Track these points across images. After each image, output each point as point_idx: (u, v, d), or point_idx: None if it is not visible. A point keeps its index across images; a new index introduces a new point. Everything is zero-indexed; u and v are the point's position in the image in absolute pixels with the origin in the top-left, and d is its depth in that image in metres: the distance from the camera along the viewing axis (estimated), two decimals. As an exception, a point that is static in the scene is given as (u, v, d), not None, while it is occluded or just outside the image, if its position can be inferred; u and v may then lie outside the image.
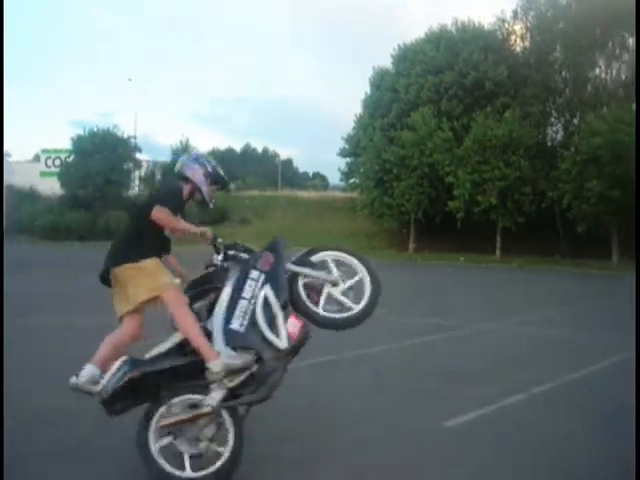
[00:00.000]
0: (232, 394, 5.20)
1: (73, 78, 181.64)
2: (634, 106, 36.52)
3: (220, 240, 5.83)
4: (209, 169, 6.00)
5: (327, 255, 5.77)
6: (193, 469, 5.16)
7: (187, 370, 5.26)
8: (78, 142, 59.01)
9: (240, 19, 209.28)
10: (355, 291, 5.60)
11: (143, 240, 5.63)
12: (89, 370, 5.25)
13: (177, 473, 5.15)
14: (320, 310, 5.49)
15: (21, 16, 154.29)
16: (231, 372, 5.15)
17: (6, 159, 53.07)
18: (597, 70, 40.48)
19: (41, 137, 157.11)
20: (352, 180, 49.23)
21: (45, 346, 10.60)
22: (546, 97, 40.23)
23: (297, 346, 5.30)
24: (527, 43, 42.46)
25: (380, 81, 45.12)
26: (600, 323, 14.44)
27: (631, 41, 39.50)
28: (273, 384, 5.20)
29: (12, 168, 57.47)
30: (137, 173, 67.44)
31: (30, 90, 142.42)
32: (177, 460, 5.18)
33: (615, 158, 32.20)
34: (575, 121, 40.47)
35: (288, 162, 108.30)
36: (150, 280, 5.49)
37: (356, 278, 5.65)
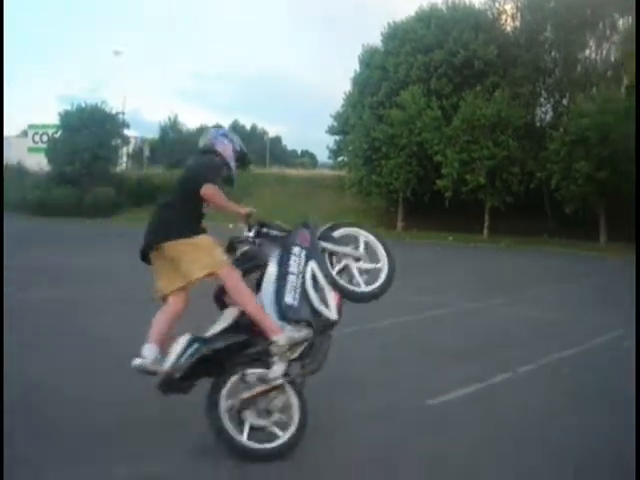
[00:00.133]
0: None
1: (60, 52, 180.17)
2: (623, 89, 36.65)
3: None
4: (237, 146, 6.10)
5: (349, 231, 6.00)
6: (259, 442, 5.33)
7: (248, 345, 5.42)
8: (66, 118, 58.65)
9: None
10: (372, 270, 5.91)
11: (193, 216, 5.68)
12: (152, 350, 5.36)
13: (255, 446, 5.31)
14: (347, 284, 5.72)
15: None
16: (293, 345, 5.32)
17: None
18: (587, 51, 40.43)
19: (29, 112, 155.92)
20: (341, 158, 49.13)
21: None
22: (536, 77, 40.17)
23: (339, 317, 5.56)
24: (517, 23, 42.33)
25: (370, 59, 44.92)
26: (587, 303, 14.56)
27: (621, 22, 39.49)
28: (325, 353, 5.49)
29: (-1, 144, 57.13)
30: (125, 149, 67.17)
31: (17, 65, 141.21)
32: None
33: (602, 139, 32.26)
34: (564, 102, 40.44)
35: (277, 139, 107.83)
36: (206, 256, 5.49)
37: (377, 258, 5.95)
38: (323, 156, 56.83)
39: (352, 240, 5.95)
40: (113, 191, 54.57)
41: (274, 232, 5.76)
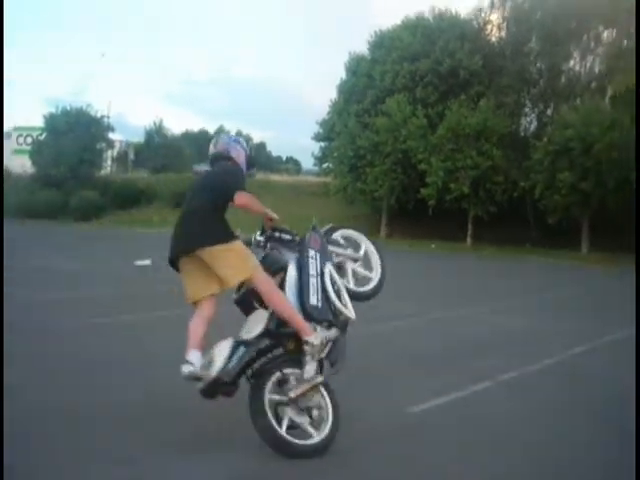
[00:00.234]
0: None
1: (45, 55, 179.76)
2: (607, 100, 36.90)
3: None
4: (248, 153, 6.25)
5: (346, 233, 6.44)
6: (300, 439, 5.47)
7: (280, 346, 5.70)
8: (51, 120, 58.48)
9: (215, 1, 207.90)
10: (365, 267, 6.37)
11: (225, 222, 5.83)
12: (197, 356, 5.42)
13: (298, 442, 5.42)
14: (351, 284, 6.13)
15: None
16: (325, 344, 5.60)
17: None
18: (571, 62, 40.70)
19: (13, 114, 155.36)
20: (325, 165, 49.18)
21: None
22: (520, 87, 40.39)
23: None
24: (503, 33, 42.57)
25: (356, 67, 45.04)
26: (567, 313, 14.61)
27: (605, 34, 39.79)
28: (345, 351, 5.82)
29: (-18, 146, 56.89)
30: (110, 153, 67.05)
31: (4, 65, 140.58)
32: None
33: (586, 150, 32.46)
34: (549, 112, 40.68)
35: (261, 145, 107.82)
36: (243, 262, 5.66)
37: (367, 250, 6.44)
38: (308, 163, 56.91)
39: (352, 243, 6.33)
40: (97, 194, 54.40)
41: (286, 236, 6.03)
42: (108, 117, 62.90)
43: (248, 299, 5.83)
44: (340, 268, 6.14)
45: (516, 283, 22.09)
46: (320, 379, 5.53)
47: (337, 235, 6.34)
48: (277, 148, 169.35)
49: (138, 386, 7.31)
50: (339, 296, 5.82)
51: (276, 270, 5.84)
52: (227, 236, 5.72)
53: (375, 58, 43.82)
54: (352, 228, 6.63)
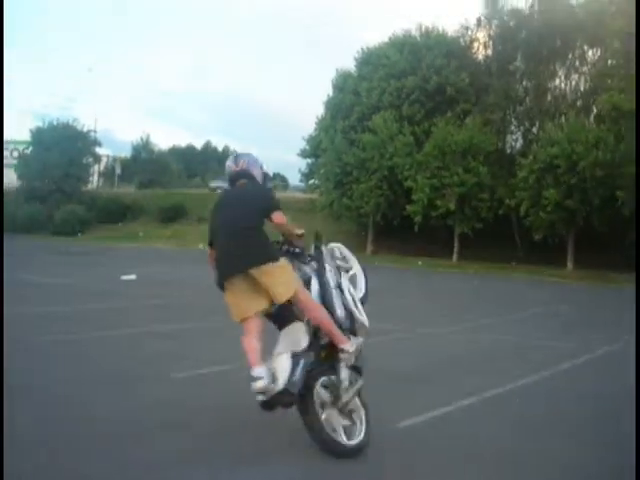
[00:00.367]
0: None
1: (32, 69, 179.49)
2: (592, 118, 37.14)
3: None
4: (264, 171, 6.53)
5: (334, 246, 6.67)
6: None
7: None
8: (37, 134, 58.43)
9: (203, 18, 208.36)
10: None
11: (269, 240, 6.05)
12: (264, 371, 5.55)
13: (346, 442, 5.81)
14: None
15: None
16: (357, 352, 5.99)
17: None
18: (557, 80, 40.96)
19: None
20: (312, 181, 49.24)
21: None
22: (506, 105, 40.58)
23: None
24: (489, 51, 42.87)
25: (343, 83, 45.19)
26: (552, 330, 14.64)
27: (590, 53, 40.12)
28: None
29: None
30: (96, 167, 67.00)
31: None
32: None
33: (571, 168, 32.66)
34: (534, 130, 40.86)
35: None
36: (290, 278, 5.91)
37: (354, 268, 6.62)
38: (295, 179, 57.08)
39: (344, 259, 6.63)
40: (83, 209, 54.24)
41: (298, 250, 6.24)
42: (95, 132, 62.89)
43: (283, 313, 6.01)
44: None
45: (501, 300, 22.16)
46: (362, 383, 5.97)
47: (335, 250, 6.65)
48: (264, 165, 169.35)
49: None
50: (356, 306, 6.19)
51: (304, 283, 6.09)
52: (275, 254, 5.97)
53: (362, 75, 44.00)
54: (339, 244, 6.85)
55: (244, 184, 6.30)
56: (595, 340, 12.83)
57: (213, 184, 58.04)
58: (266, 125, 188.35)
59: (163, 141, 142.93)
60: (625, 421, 6.78)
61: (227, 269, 5.90)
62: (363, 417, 6.02)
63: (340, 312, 6.03)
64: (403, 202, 39.15)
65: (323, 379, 5.83)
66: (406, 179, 38.39)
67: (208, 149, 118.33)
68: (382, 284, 22.14)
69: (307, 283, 6.07)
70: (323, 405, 5.78)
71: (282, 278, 5.83)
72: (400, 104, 41.15)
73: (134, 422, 6.63)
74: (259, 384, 5.46)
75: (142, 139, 79.22)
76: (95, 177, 69.77)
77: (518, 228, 38.06)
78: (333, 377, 5.88)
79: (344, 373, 5.89)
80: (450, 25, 69.37)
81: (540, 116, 39.56)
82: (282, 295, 5.78)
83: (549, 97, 40.64)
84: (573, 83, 40.68)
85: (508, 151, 42.06)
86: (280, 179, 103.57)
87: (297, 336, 5.89)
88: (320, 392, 5.78)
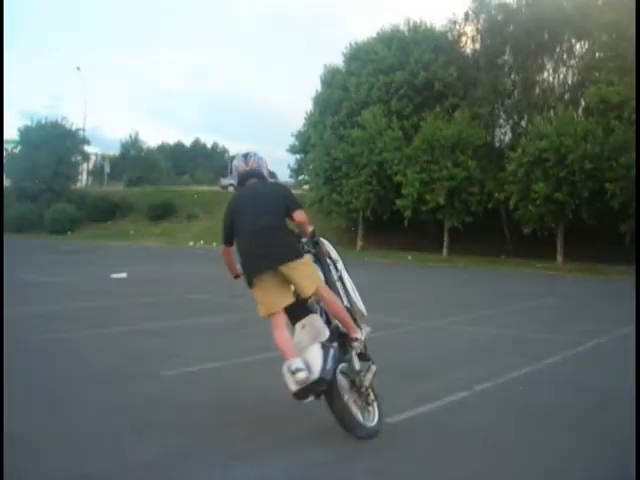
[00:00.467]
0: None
1: (20, 67, 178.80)
2: (580, 111, 37.22)
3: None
4: (269, 170, 6.85)
5: (321, 241, 6.80)
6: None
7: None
8: (25, 133, 58.37)
9: (190, 12, 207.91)
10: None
11: (295, 237, 6.39)
12: (301, 363, 5.74)
13: (367, 424, 6.18)
14: None
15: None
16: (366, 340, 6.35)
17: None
18: (545, 74, 41.02)
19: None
20: (301, 177, 49.20)
21: None
22: (495, 99, 40.61)
23: None
24: (477, 45, 42.88)
25: (331, 79, 45.18)
26: (543, 322, 14.66)
27: (578, 46, 40.20)
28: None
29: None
30: (85, 166, 66.92)
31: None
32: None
33: (560, 161, 32.73)
34: (523, 123, 40.88)
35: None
36: (314, 272, 6.24)
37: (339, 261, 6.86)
38: (284, 175, 56.97)
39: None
40: (73, 207, 54.20)
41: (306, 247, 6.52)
42: (83, 130, 62.80)
43: (297, 306, 6.20)
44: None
45: (492, 294, 22.16)
46: (375, 368, 6.25)
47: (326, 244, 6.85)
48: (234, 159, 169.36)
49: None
50: (356, 296, 6.59)
51: None
52: (301, 250, 6.27)
53: (350, 70, 43.99)
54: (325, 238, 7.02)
55: (254, 183, 6.56)
56: (588, 332, 12.83)
57: (225, 182, 58.10)
58: (255, 121, 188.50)
59: (152, 138, 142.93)
60: (613, 412, 6.78)
61: (258, 266, 6.06)
62: (375, 402, 6.32)
63: (347, 303, 6.38)
64: (393, 197, 39.18)
65: (342, 366, 6.07)
66: (395, 174, 38.40)
67: (197, 146, 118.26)
68: (372, 279, 22.21)
69: None
70: (344, 390, 6.03)
71: (307, 273, 6.10)
72: (389, 99, 41.15)
73: (124, 420, 6.61)
74: (301, 375, 5.66)
75: (131, 137, 79.12)
76: (84, 175, 69.74)
77: (507, 222, 38.15)
78: (347, 364, 6.16)
79: (356, 360, 6.20)
80: (438, 20, 69.67)
81: (528, 109, 39.59)
82: (308, 289, 6.03)
83: (537, 90, 40.69)
84: (561, 76, 40.74)
85: (497, 145, 42.14)
86: (270, 175, 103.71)
87: (317, 327, 6.12)
88: (340, 378, 6.01)
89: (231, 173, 7.09)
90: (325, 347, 5.90)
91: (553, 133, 33.28)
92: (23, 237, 47.57)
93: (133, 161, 74.95)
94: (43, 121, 58.94)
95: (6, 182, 57.90)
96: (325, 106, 44.49)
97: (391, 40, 42.98)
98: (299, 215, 6.26)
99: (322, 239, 6.81)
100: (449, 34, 43.76)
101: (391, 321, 13.06)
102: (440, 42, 42.52)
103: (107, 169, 72.16)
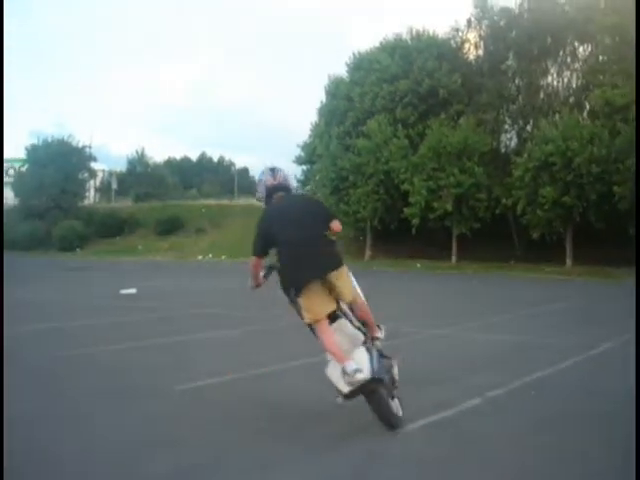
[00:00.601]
0: None
1: (26, 86, 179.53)
2: (585, 114, 37.17)
3: None
4: (296, 184, 6.94)
5: None
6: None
7: None
8: (32, 152, 58.64)
9: (194, 28, 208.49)
10: None
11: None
12: (354, 365, 6.09)
13: (398, 414, 6.65)
14: None
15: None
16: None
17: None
18: (549, 78, 40.99)
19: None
20: (308, 188, 49.18)
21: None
22: (499, 104, 40.61)
23: None
24: (480, 51, 42.91)
25: (335, 89, 45.22)
26: (554, 327, 14.61)
27: (581, 49, 40.18)
28: None
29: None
30: (92, 182, 67.13)
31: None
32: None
33: (567, 165, 32.69)
34: (528, 128, 40.85)
35: (244, 170, 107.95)
36: (350, 280, 6.66)
37: None
38: (291, 186, 56.92)
39: None
40: (81, 224, 54.36)
41: None
42: (90, 147, 63.06)
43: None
44: None
45: (502, 300, 22.11)
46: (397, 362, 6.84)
47: None
48: (260, 173, 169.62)
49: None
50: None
51: None
52: (342, 259, 6.62)
53: (354, 80, 44.02)
54: None
55: (282, 197, 6.82)
56: (600, 336, 12.79)
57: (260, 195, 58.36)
58: (260, 134, 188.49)
59: (158, 154, 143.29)
60: (628, 416, 6.77)
61: (308, 275, 6.32)
62: (396, 395, 6.70)
63: None
64: (400, 205, 39.18)
65: None
66: (402, 182, 38.42)
67: (203, 160, 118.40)
68: (381, 288, 22.18)
69: None
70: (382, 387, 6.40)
71: (348, 280, 6.57)
72: (393, 108, 41.17)
73: (137, 435, 6.62)
74: (360, 376, 6.02)
75: (137, 152, 79.27)
76: (92, 192, 69.93)
77: (516, 227, 38.11)
78: None
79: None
80: (440, 27, 69.51)
81: (533, 114, 39.57)
82: (349, 295, 6.49)
83: (542, 95, 40.68)
84: (565, 80, 40.73)
85: (503, 150, 42.08)
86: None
87: (351, 330, 6.55)
88: None
89: (256, 186, 7.29)
90: (369, 349, 6.34)
91: (559, 137, 33.27)
92: (32, 255, 47.71)
93: (140, 177, 75.10)
94: (50, 139, 59.20)
95: (14, 200, 58.21)
96: (330, 116, 44.52)
97: (394, 49, 43.02)
98: (336, 225, 6.65)
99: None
100: (452, 41, 43.77)
101: (401, 329, 13.01)
102: (443, 49, 42.55)
103: (114, 185, 72.32)
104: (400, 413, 6.63)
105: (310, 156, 46.44)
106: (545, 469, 5.72)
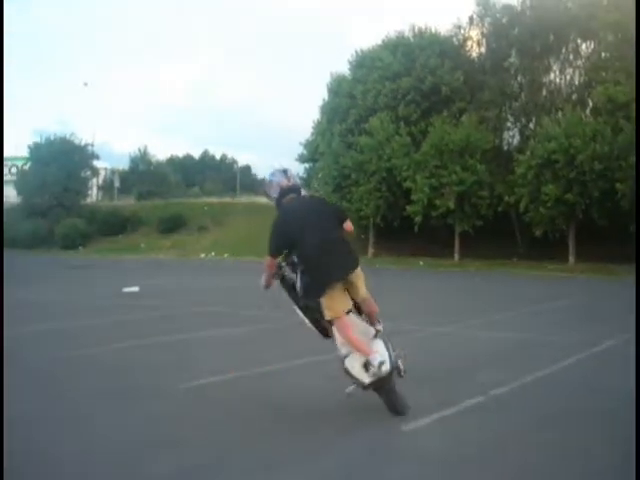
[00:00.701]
0: None
1: (28, 85, 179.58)
2: (588, 111, 37.13)
3: None
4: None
5: None
6: None
7: None
8: (35, 150, 58.66)
9: (196, 25, 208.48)
10: None
11: None
12: (379, 358, 6.45)
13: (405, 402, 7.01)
14: None
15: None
16: None
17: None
18: (551, 75, 41.00)
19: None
20: (310, 186, 49.24)
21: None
22: (502, 101, 40.61)
23: None
24: (483, 49, 42.91)
25: (337, 87, 45.21)
26: (557, 324, 14.61)
27: (584, 46, 40.14)
28: None
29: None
30: (95, 181, 67.15)
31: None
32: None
33: (569, 162, 32.67)
34: (531, 125, 40.85)
35: (246, 168, 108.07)
36: (363, 278, 6.91)
37: None
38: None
39: None
40: (83, 222, 54.40)
41: None
42: (92, 145, 63.09)
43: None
44: None
45: (504, 297, 22.12)
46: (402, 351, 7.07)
47: None
48: (262, 171, 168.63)
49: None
50: None
51: None
52: (358, 258, 7.00)
53: (356, 78, 44.02)
54: None
55: (293, 198, 7.02)
56: (603, 333, 12.79)
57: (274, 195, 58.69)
58: (262, 132, 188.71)
59: (161, 152, 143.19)
60: (630, 413, 6.76)
61: (333, 275, 6.59)
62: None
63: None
64: (403, 203, 39.17)
65: None
66: (405, 180, 38.42)
67: (206, 158, 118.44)
68: (384, 286, 22.12)
69: None
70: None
71: (362, 277, 6.85)
72: (396, 105, 41.16)
73: (140, 435, 6.62)
74: (386, 368, 6.44)
75: (140, 150, 79.39)
76: (94, 190, 69.97)
77: (518, 224, 38.11)
78: None
79: None
80: (443, 24, 69.43)
81: (536, 111, 39.56)
82: (364, 292, 6.83)
83: (544, 92, 40.68)
84: (568, 77, 40.72)
85: (505, 148, 42.10)
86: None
87: (362, 324, 6.83)
88: None
89: (265, 186, 7.37)
90: (386, 341, 6.78)
91: (562, 134, 33.25)
92: (35, 253, 47.74)
93: (142, 175, 75.19)
94: (52, 137, 59.21)
95: (17, 199, 58.27)
96: (333, 114, 44.52)
97: (396, 46, 43.00)
98: (349, 225, 7.04)
99: None
100: (454, 39, 43.74)
101: (404, 327, 13.00)
102: (445, 47, 42.52)
103: (117, 183, 72.41)
104: (405, 400, 6.91)
105: (312, 154, 46.45)
106: (548, 467, 5.72)
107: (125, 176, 77.14)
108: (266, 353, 10.61)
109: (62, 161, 56.72)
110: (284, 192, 7.01)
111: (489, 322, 14.91)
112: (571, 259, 34.99)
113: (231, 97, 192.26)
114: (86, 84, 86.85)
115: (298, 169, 51.37)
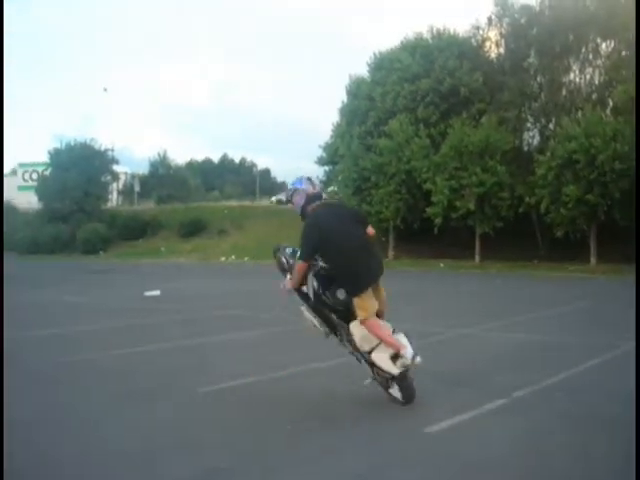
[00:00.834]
0: None
1: (49, 91, 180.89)
2: (608, 111, 36.88)
3: None
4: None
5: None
6: None
7: None
8: (55, 155, 59.02)
9: (217, 28, 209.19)
10: None
11: None
12: (411, 351, 6.96)
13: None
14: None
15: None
16: None
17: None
18: (571, 75, 40.73)
19: (18, 151, 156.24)
20: (330, 188, 49.15)
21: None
22: (521, 102, 40.38)
23: None
24: (502, 49, 42.68)
25: (357, 89, 45.17)
26: (578, 326, 14.52)
27: (604, 45, 39.88)
28: None
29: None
30: (115, 185, 67.49)
31: (6, 103, 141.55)
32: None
33: (590, 162, 32.45)
34: (551, 126, 40.63)
35: (266, 172, 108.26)
36: None
37: None
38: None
39: None
40: (104, 227, 54.70)
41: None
42: (112, 150, 63.34)
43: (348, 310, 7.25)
44: None
45: (525, 299, 21.98)
46: None
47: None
48: (281, 174, 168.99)
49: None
50: None
51: None
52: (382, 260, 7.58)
53: (375, 80, 43.95)
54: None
55: (318, 205, 7.35)
56: (626, 335, 12.67)
57: (278, 197, 58.91)
58: (282, 134, 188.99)
59: (180, 155, 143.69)
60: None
61: (373, 277, 7.19)
62: None
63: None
64: (422, 205, 39.10)
65: None
66: (425, 182, 38.34)
67: (225, 161, 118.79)
68: (405, 288, 22.11)
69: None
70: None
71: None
72: (415, 107, 41.07)
73: (162, 438, 6.62)
74: (417, 360, 6.94)
75: (159, 155, 79.75)
76: (114, 195, 70.36)
77: (539, 225, 37.90)
78: None
79: None
80: (461, 26, 69.46)
81: (556, 111, 39.35)
82: (384, 294, 7.34)
83: (564, 92, 40.44)
84: (588, 76, 40.45)
85: (525, 149, 41.88)
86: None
87: (382, 322, 7.25)
88: None
89: (286, 192, 7.78)
90: (407, 335, 7.22)
91: (582, 134, 33.03)
92: (56, 258, 48.01)
93: (162, 179, 75.52)
94: (72, 143, 59.54)
95: (38, 204, 58.65)
96: (352, 117, 44.49)
97: (415, 48, 42.89)
98: (371, 230, 7.50)
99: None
100: (473, 39, 43.57)
101: (425, 329, 12.96)
102: (464, 48, 42.37)
103: (137, 188, 72.74)
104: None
105: (332, 157, 46.43)
106: (571, 470, 5.67)
107: (145, 180, 77.49)
108: (285, 356, 10.60)
109: (82, 166, 57.04)
110: (310, 199, 7.34)
111: (510, 324, 14.84)
112: (592, 260, 34.77)
113: (249, 100, 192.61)
114: (106, 90, 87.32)
115: (318, 172, 51.52)
